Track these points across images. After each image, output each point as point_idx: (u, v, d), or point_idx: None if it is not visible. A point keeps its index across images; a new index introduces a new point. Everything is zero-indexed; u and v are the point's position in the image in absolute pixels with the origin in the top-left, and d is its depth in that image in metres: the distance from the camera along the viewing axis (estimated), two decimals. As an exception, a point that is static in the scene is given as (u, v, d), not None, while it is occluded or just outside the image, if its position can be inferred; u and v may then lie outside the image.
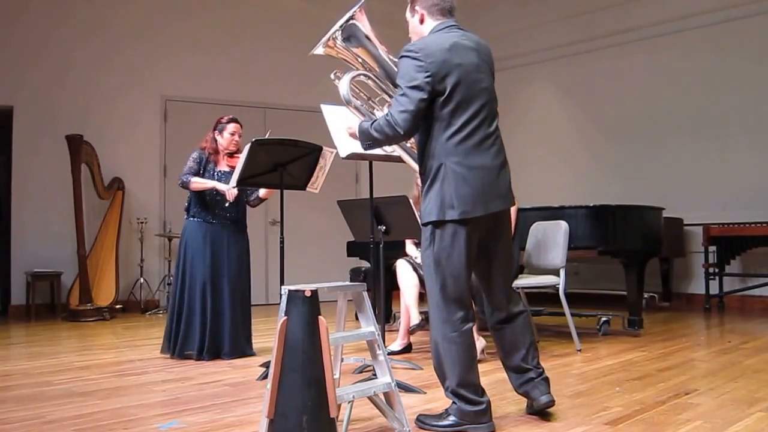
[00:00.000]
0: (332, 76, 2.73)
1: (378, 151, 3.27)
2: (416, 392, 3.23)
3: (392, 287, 5.58)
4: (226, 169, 4.38)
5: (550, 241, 4.49)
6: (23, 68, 7.05)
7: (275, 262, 7.63)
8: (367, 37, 2.73)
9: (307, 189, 4.04)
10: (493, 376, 3.54)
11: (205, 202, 4.37)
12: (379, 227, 3.90)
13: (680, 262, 7.59)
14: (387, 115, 2.49)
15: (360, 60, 2.77)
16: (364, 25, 2.71)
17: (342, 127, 3.20)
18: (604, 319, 5.28)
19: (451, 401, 2.60)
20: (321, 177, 4.01)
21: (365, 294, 2.55)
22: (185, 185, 4.31)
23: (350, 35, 2.70)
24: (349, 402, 2.45)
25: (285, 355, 2.19)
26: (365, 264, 6.34)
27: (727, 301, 7.13)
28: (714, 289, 6.96)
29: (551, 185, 8.42)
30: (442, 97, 2.48)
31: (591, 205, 5.15)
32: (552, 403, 2.69)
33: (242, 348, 4.34)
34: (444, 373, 2.57)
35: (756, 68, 7.18)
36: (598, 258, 5.59)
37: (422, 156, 2.60)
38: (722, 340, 5.02)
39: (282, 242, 3.88)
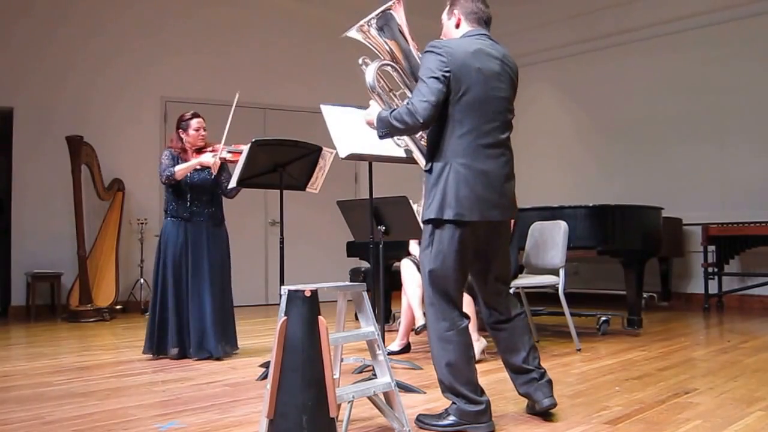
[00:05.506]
0: (360, 61, 2.73)
1: (377, 151, 3.29)
2: (416, 392, 3.23)
3: (392, 287, 5.60)
4: (198, 166, 4.34)
5: (550, 241, 4.49)
6: (23, 70, 7.05)
7: (275, 262, 7.65)
8: (400, 30, 2.73)
9: (307, 189, 4.04)
10: (492, 376, 3.54)
11: (182, 199, 4.36)
12: (379, 227, 3.90)
13: (679, 261, 7.60)
14: (407, 103, 2.50)
15: (388, 49, 2.76)
16: (399, 16, 2.71)
17: (341, 127, 3.22)
18: (603, 318, 5.29)
19: (450, 401, 2.60)
20: (321, 177, 4.02)
21: (365, 294, 2.55)
22: (171, 177, 4.27)
23: (384, 25, 2.70)
24: (348, 402, 2.46)
25: (285, 355, 2.19)
26: (365, 264, 6.34)
27: (726, 300, 7.14)
28: (713, 288, 6.96)
29: (550, 185, 8.43)
30: (457, 97, 2.50)
31: (590, 204, 5.16)
32: (554, 406, 2.70)
33: (228, 344, 4.35)
34: (442, 371, 2.58)
35: (755, 69, 7.18)
36: (598, 258, 5.59)
37: (430, 153, 2.61)
38: (721, 340, 5.02)
39: (282, 242, 3.89)
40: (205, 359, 4.21)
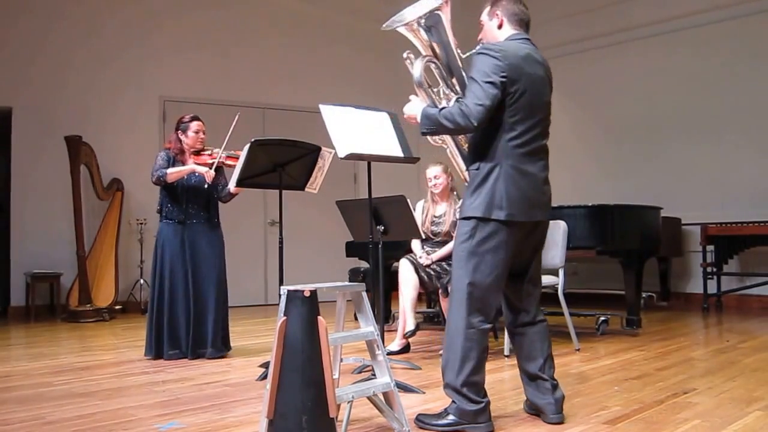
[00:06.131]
0: (405, 55, 2.71)
1: (376, 150, 3.29)
2: (415, 392, 3.24)
3: (391, 287, 5.60)
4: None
5: (549, 241, 4.45)
6: (22, 69, 7.05)
7: (274, 262, 7.64)
8: (446, 29, 2.72)
9: (306, 189, 4.05)
10: (492, 376, 3.54)
11: (177, 202, 4.37)
12: (378, 227, 3.90)
13: (678, 261, 7.60)
14: (461, 104, 2.49)
15: (429, 44, 2.73)
16: (446, 17, 2.69)
17: (340, 127, 3.21)
18: (602, 318, 5.29)
19: (450, 400, 2.61)
20: (320, 177, 4.02)
21: (364, 294, 2.56)
22: (162, 178, 4.26)
23: (432, 26, 2.67)
24: (348, 402, 2.46)
25: (284, 355, 2.19)
26: (364, 264, 6.35)
27: (725, 300, 7.15)
28: (712, 288, 6.97)
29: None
30: (510, 101, 2.52)
31: (589, 204, 5.17)
32: (562, 422, 2.69)
33: (223, 346, 4.38)
34: (451, 367, 2.57)
35: (754, 68, 7.19)
36: (597, 258, 5.60)
37: (476, 154, 2.62)
38: (720, 339, 5.03)
39: (281, 242, 3.89)
40: (203, 359, 4.24)
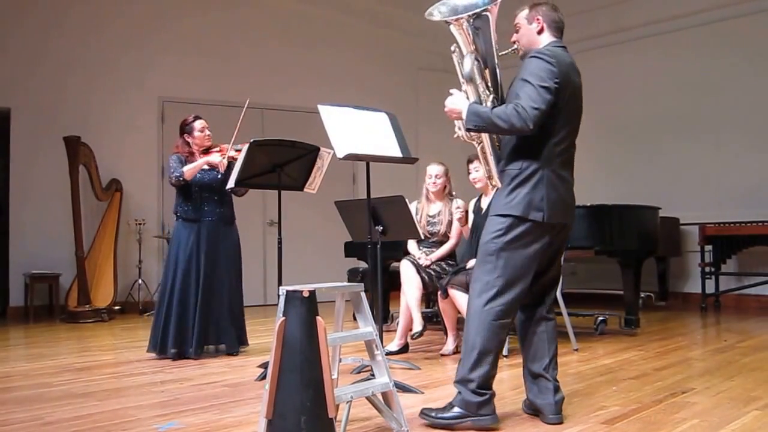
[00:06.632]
0: (452, 48, 2.72)
1: (375, 151, 3.29)
2: (414, 392, 3.24)
3: (390, 287, 5.60)
4: (206, 166, 4.39)
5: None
6: (21, 70, 7.04)
7: (273, 262, 7.65)
8: (490, 27, 2.72)
9: (305, 189, 4.06)
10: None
11: (191, 200, 4.39)
12: (377, 227, 3.91)
13: (676, 261, 7.61)
14: (516, 105, 2.47)
15: (473, 41, 2.71)
16: (493, 19, 2.69)
17: (339, 128, 3.21)
18: (600, 318, 5.30)
19: (456, 391, 2.63)
20: (318, 177, 4.03)
21: (363, 294, 2.56)
22: (180, 178, 4.29)
23: (479, 27, 2.67)
24: (347, 402, 2.46)
25: (283, 355, 2.19)
26: (363, 264, 6.35)
27: (723, 300, 7.16)
28: (710, 288, 6.98)
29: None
30: (559, 107, 2.55)
31: (588, 204, 5.16)
32: (560, 423, 2.69)
33: (241, 341, 4.47)
34: (467, 360, 2.60)
35: (751, 68, 7.20)
36: (595, 258, 5.60)
37: (520, 155, 2.63)
38: (718, 339, 5.04)
39: (280, 243, 3.90)
40: (211, 356, 4.26)
